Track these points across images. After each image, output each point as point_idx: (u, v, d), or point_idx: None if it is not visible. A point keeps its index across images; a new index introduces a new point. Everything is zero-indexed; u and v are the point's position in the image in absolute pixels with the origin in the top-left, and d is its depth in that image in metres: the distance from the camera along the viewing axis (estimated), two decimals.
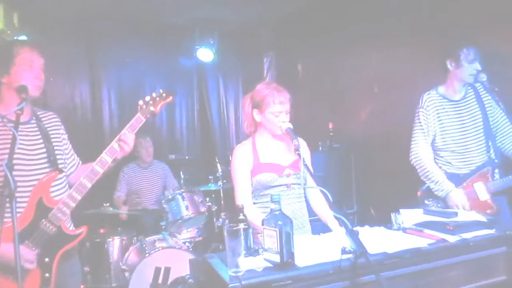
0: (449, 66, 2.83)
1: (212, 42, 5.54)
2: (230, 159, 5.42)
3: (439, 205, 2.83)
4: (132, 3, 4.69)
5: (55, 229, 2.02)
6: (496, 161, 2.80)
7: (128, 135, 2.14)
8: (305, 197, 2.57)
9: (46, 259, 2.00)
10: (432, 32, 3.54)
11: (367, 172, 4.49)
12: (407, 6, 3.78)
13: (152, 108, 2.20)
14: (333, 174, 4.41)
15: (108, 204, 3.88)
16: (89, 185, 2.07)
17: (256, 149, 2.47)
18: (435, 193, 2.82)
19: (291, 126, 2.39)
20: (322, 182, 2.12)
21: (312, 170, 2.30)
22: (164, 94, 2.25)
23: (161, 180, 4.96)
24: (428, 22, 3.63)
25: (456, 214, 2.20)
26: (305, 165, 2.15)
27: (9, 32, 3.98)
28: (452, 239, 1.94)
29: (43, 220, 2.00)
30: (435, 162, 2.90)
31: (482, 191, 2.74)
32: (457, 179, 2.81)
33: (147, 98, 2.21)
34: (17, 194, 1.93)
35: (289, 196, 2.42)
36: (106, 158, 2.11)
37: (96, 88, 5.39)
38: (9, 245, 1.68)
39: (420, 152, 2.89)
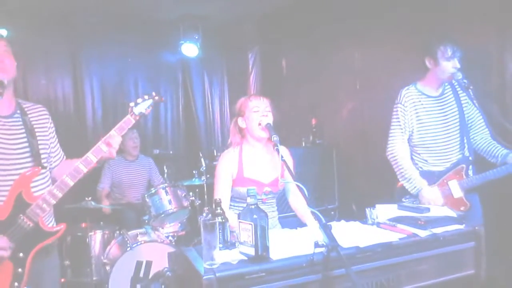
0: (427, 64, 2.84)
1: (196, 38, 5.55)
2: (215, 154, 5.50)
3: (415, 202, 2.87)
4: None
5: (32, 225, 2.01)
6: (470, 158, 2.84)
7: (115, 137, 2.14)
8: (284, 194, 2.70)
9: (21, 254, 1.99)
10: (413, 30, 3.60)
11: (349, 167, 4.55)
12: (389, 3, 3.83)
13: (142, 111, 2.22)
14: (316, 170, 4.46)
15: (90, 198, 3.87)
16: (71, 183, 2.07)
17: (242, 160, 2.56)
18: (408, 190, 2.85)
19: (270, 122, 2.49)
20: (302, 178, 2.19)
21: (293, 175, 2.35)
22: (156, 97, 2.28)
23: (146, 175, 4.97)
24: (409, 19, 3.68)
25: (428, 209, 2.26)
26: (288, 169, 2.26)
27: None
28: (423, 233, 2.00)
29: (21, 215, 1.99)
30: (412, 159, 2.94)
31: (456, 189, 2.78)
32: (432, 177, 2.85)
33: (139, 100, 2.23)
34: None
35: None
36: (92, 158, 2.11)
37: (79, 83, 5.35)
38: None
39: (396, 149, 2.91)
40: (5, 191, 2.01)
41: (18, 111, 2.19)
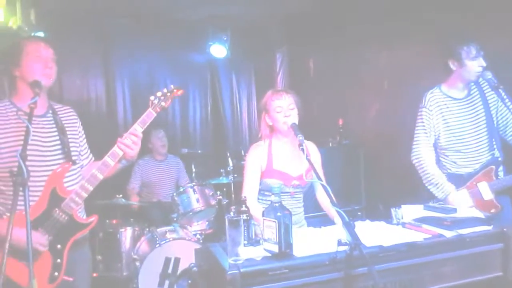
0: (452, 66, 2.75)
1: (225, 39, 5.63)
2: (243, 154, 5.56)
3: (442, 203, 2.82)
4: None
5: (67, 217, 2.11)
6: (500, 159, 2.77)
7: (138, 130, 2.21)
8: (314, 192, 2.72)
9: (58, 246, 2.10)
10: (441, 30, 3.54)
11: (376, 168, 4.52)
12: (417, 4, 3.78)
13: (162, 103, 2.27)
14: (342, 170, 4.44)
15: (120, 196, 3.98)
16: (101, 177, 2.16)
17: (272, 153, 2.59)
18: (435, 195, 2.78)
19: (295, 122, 2.49)
20: (328, 178, 2.19)
21: (321, 174, 2.35)
22: (174, 90, 2.33)
23: (175, 174, 5.05)
24: (437, 19, 3.62)
25: (455, 210, 2.23)
26: (313, 168, 2.24)
27: (26, 28, 4.06)
28: (448, 234, 1.98)
29: (56, 209, 2.09)
30: (439, 161, 2.88)
31: (486, 191, 2.71)
32: (460, 179, 2.78)
33: (159, 93, 2.28)
34: (32, 184, 2.04)
35: (291, 205, 2.52)
36: (118, 151, 2.19)
37: (110, 83, 5.50)
38: (23, 231, 1.76)
39: (422, 153, 2.84)
40: (40, 187, 2.11)
41: (50, 111, 2.30)
